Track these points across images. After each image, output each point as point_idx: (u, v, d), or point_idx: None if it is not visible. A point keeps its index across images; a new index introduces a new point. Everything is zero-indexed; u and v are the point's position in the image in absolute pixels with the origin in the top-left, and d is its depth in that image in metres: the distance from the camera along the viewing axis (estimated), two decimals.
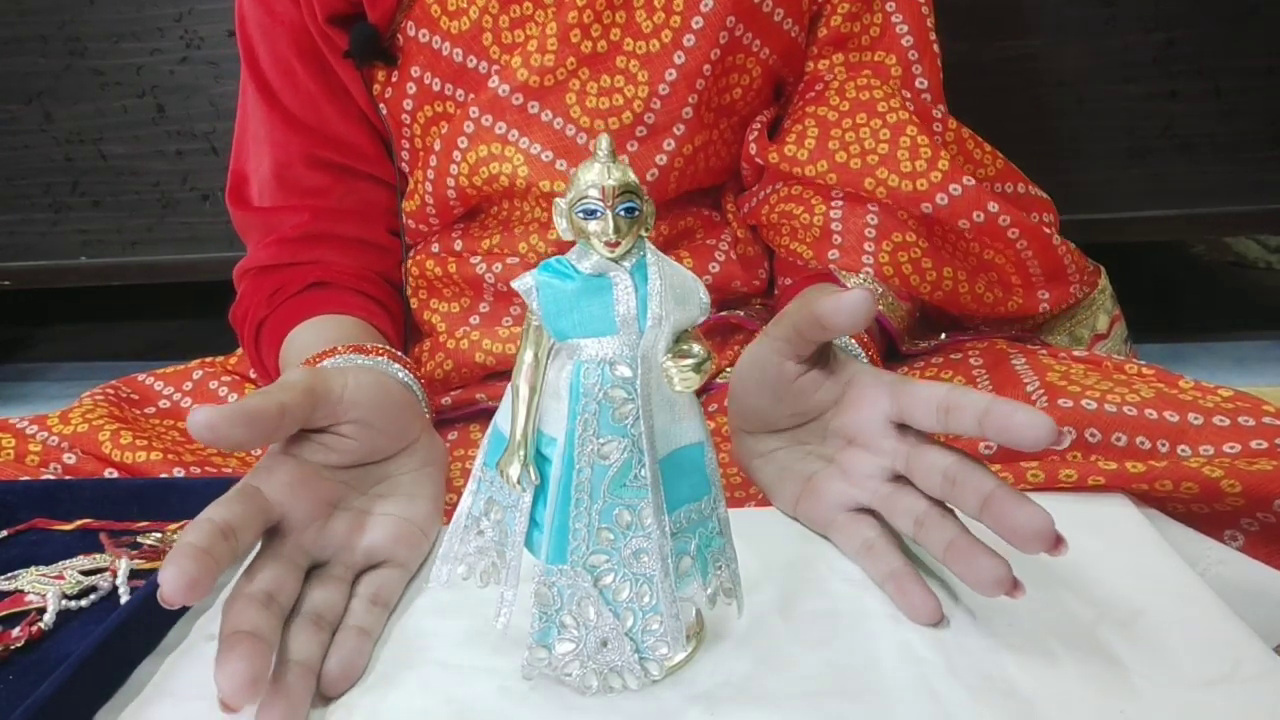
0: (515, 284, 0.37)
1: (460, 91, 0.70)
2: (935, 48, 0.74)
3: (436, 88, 0.70)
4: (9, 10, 1.35)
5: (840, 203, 0.69)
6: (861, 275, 0.68)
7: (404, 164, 0.75)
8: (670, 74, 0.67)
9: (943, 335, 0.73)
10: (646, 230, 0.36)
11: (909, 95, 0.72)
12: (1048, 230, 0.69)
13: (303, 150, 0.72)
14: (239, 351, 0.76)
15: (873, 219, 0.68)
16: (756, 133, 0.73)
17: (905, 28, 0.73)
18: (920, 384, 0.44)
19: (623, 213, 0.34)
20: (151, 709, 0.40)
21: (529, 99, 0.68)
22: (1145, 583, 0.44)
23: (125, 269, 1.50)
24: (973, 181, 0.66)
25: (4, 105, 1.41)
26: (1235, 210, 1.32)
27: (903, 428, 0.45)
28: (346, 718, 0.38)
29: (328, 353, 0.55)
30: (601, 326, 0.35)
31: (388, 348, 0.57)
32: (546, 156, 0.68)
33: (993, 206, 0.66)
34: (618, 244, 0.35)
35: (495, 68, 0.69)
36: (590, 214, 0.35)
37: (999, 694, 0.37)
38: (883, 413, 0.45)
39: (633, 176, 0.35)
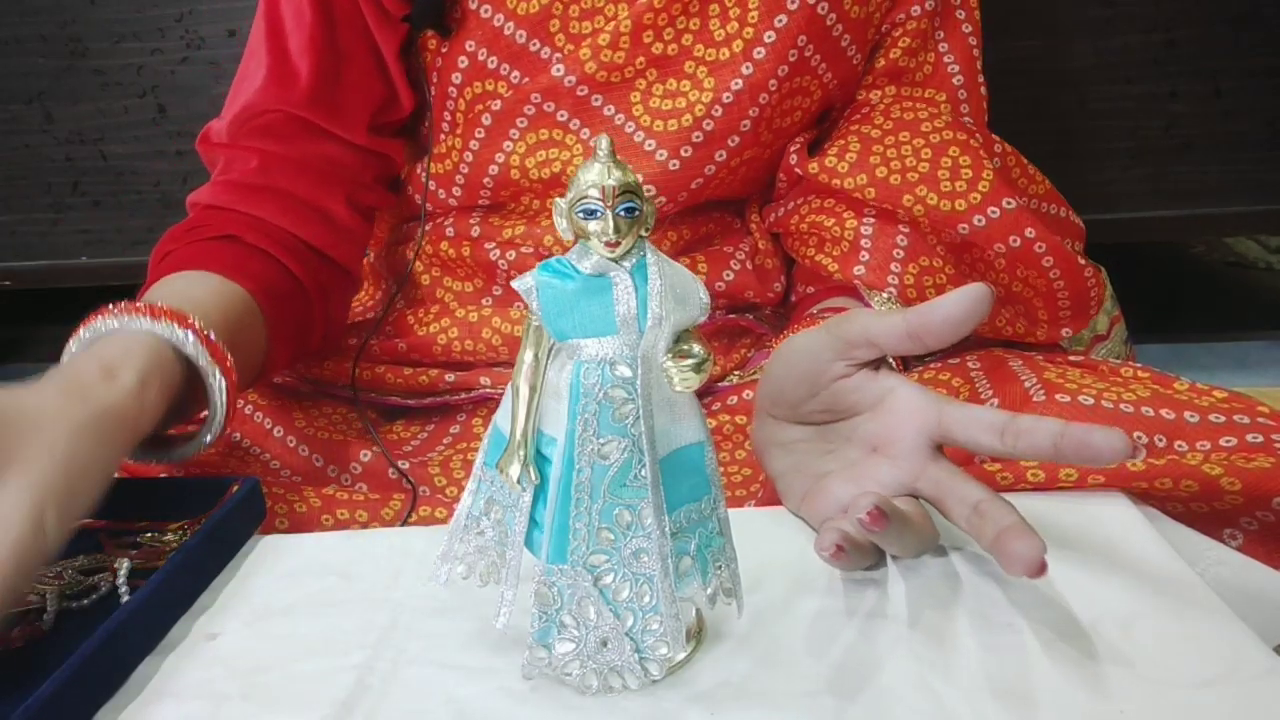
0: (515, 284, 0.37)
1: (516, 73, 0.70)
2: (983, 89, 0.74)
3: (492, 65, 0.70)
4: (9, 10, 1.35)
5: (872, 220, 0.68)
6: (885, 294, 0.67)
7: (442, 135, 0.75)
8: (736, 84, 0.67)
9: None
10: (646, 230, 0.36)
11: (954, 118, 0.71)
12: (1081, 261, 0.68)
13: (282, 96, 0.70)
14: None
15: (903, 240, 0.67)
16: (798, 145, 0.73)
17: (956, 68, 0.74)
18: (975, 406, 0.44)
19: (623, 213, 0.34)
20: (151, 709, 0.40)
21: (594, 91, 0.68)
22: (1145, 583, 0.44)
23: (125, 269, 1.50)
24: (1014, 204, 0.64)
25: (4, 105, 1.41)
26: (1235, 210, 1.32)
27: (938, 448, 0.45)
28: (346, 717, 0.38)
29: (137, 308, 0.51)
30: (601, 326, 0.35)
31: (204, 329, 0.52)
32: None
33: (1030, 232, 0.64)
34: (618, 244, 0.35)
35: (558, 55, 0.69)
36: (590, 214, 0.35)
37: (999, 694, 0.37)
38: (923, 429, 0.45)
39: (633, 177, 0.35)
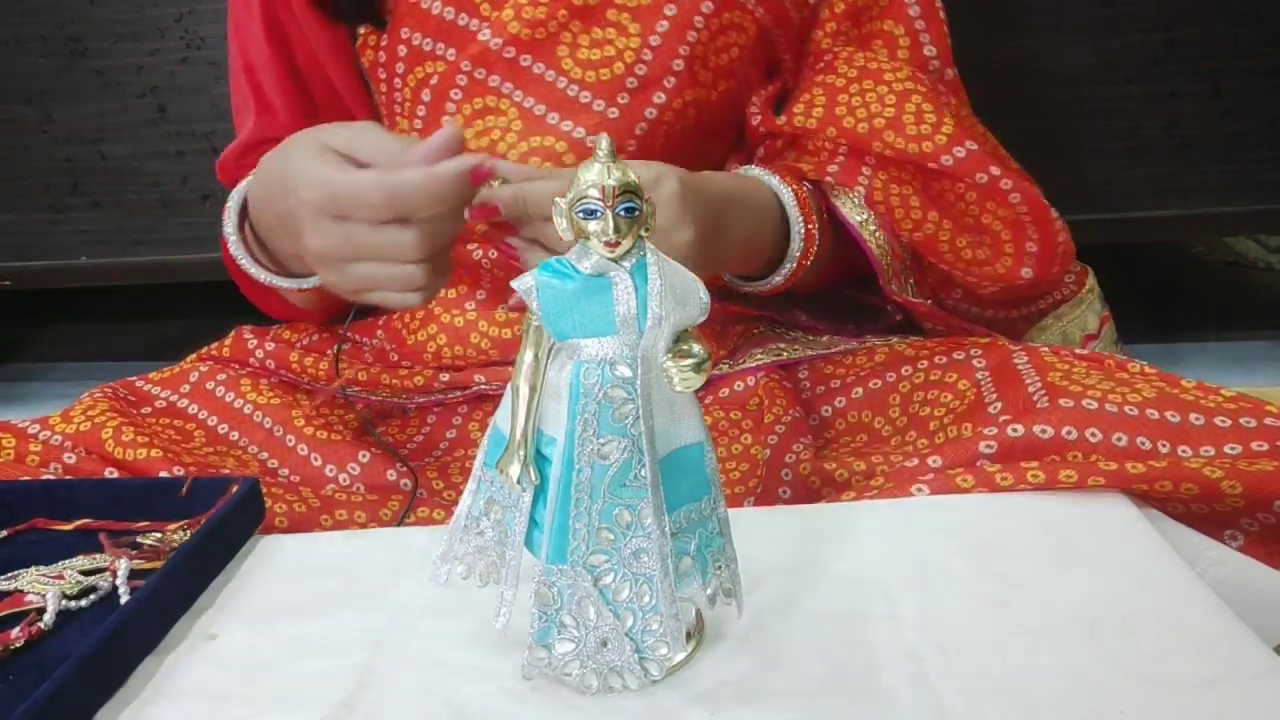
0: (515, 284, 0.37)
1: (451, 50, 0.71)
2: (942, 14, 0.75)
3: (427, 47, 0.71)
4: (9, 10, 1.35)
5: (845, 147, 0.71)
6: (855, 192, 0.70)
7: (390, 128, 0.76)
8: (661, 25, 0.68)
9: (928, 301, 0.74)
10: (647, 230, 0.36)
11: (918, 68, 0.73)
12: (1046, 203, 0.70)
13: (268, 127, 0.76)
14: (229, 340, 0.76)
15: (871, 159, 0.70)
16: (757, 105, 0.74)
17: None
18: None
19: (623, 213, 0.34)
20: (151, 709, 0.40)
21: (520, 52, 0.69)
22: (1145, 583, 0.44)
23: (125, 269, 1.50)
24: (975, 147, 0.68)
25: (4, 105, 1.40)
26: (1235, 210, 1.32)
27: None
28: (346, 717, 0.38)
29: None
30: (601, 326, 0.35)
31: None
32: (539, 110, 0.70)
33: (995, 169, 0.67)
34: (618, 244, 0.35)
35: (485, 23, 0.70)
36: (590, 214, 0.35)
37: (999, 694, 0.37)
38: None
39: (633, 176, 0.35)
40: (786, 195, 0.68)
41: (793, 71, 0.77)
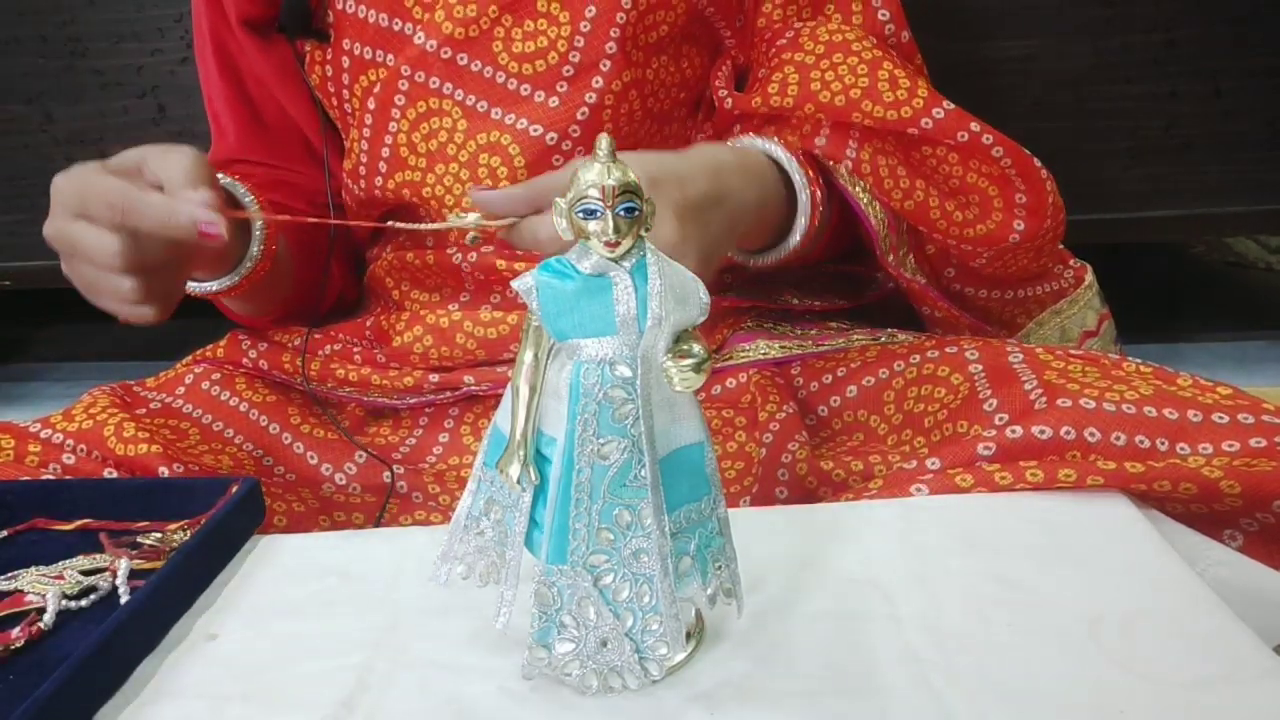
0: (515, 284, 0.37)
1: (389, 56, 0.72)
2: None
3: (367, 56, 0.72)
4: (9, 10, 1.35)
5: (828, 125, 0.71)
6: (843, 165, 0.70)
7: (346, 140, 0.78)
8: (590, 10, 0.69)
9: (920, 279, 0.74)
10: (647, 229, 0.36)
11: (873, 34, 0.74)
12: (1029, 153, 0.71)
13: (224, 149, 0.80)
14: (224, 342, 0.76)
15: (856, 131, 0.70)
16: (724, 85, 0.74)
17: None
18: None
19: (623, 213, 0.34)
20: (151, 709, 0.40)
21: (456, 51, 0.70)
22: (1145, 583, 0.44)
23: None
24: (952, 106, 0.68)
25: (4, 105, 1.41)
26: (1235, 210, 1.32)
27: None
28: (346, 717, 0.38)
29: None
30: (601, 326, 0.35)
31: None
32: (482, 106, 0.71)
33: (974, 126, 0.68)
34: (618, 244, 0.35)
35: (418, 26, 0.70)
36: (590, 214, 0.35)
37: (999, 694, 0.37)
38: None
39: (633, 176, 0.35)
40: (784, 155, 0.68)
41: (740, 47, 0.77)
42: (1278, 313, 1.57)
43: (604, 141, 0.35)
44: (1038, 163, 0.70)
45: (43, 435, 0.63)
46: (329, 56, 0.74)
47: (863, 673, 0.39)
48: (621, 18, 0.69)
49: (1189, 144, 1.28)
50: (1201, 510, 0.50)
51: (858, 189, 0.70)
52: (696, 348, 0.36)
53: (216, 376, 0.72)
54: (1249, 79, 1.24)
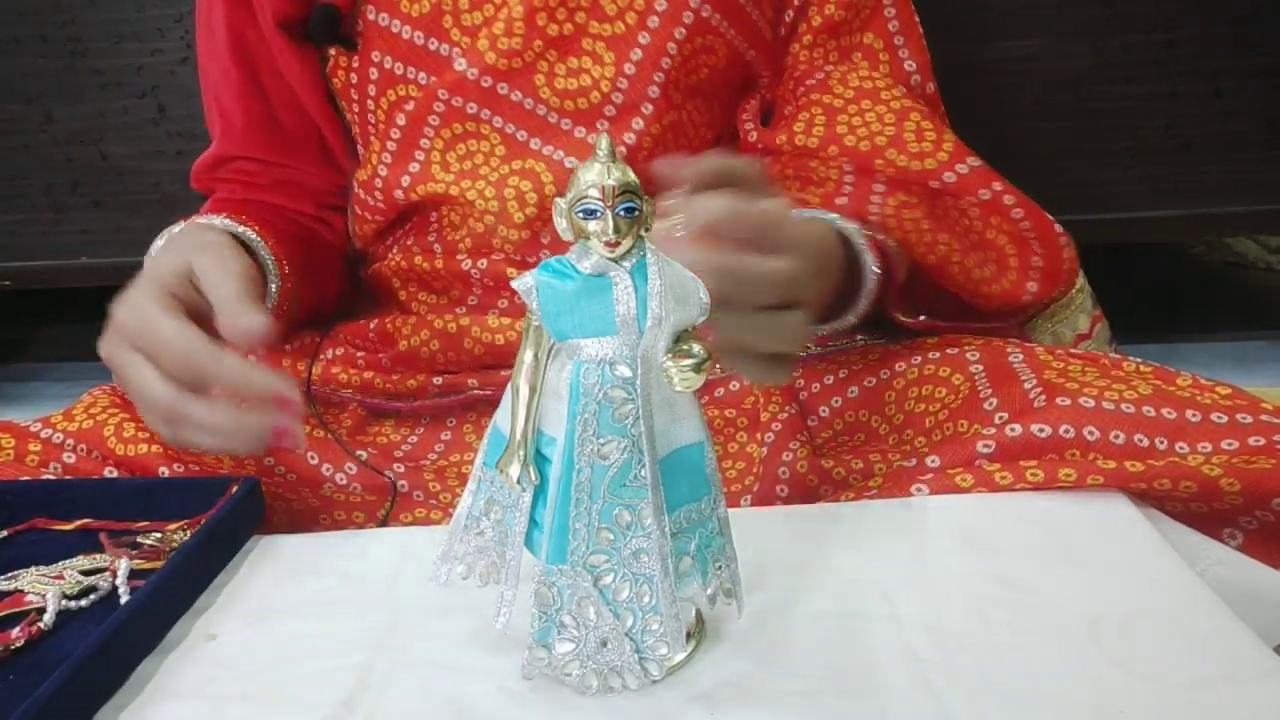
0: (515, 284, 0.37)
1: (423, 74, 0.71)
2: (920, 28, 0.75)
3: (398, 71, 0.71)
4: (9, 10, 1.35)
5: (852, 172, 0.70)
6: (869, 221, 0.68)
7: (364, 148, 0.77)
8: (635, 54, 0.68)
9: (920, 316, 0.73)
10: (647, 230, 0.36)
11: (899, 83, 0.73)
12: (1049, 216, 0.70)
13: (230, 148, 0.79)
14: None
15: (881, 178, 0.69)
16: (751, 122, 0.74)
17: (893, 11, 0.75)
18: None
19: (622, 213, 0.34)
20: (151, 709, 0.40)
21: (497, 81, 0.69)
22: (1145, 583, 0.44)
23: (125, 269, 1.49)
24: (977, 162, 0.68)
25: (4, 105, 1.40)
26: (1235, 210, 1.32)
27: None
28: (346, 717, 0.38)
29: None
30: (601, 326, 0.35)
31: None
32: (521, 135, 0.70)
33: (997, 185, 0.67)
34: (617, 244, 0.35)
35: (457, 50, 0.70)
36: (590, 214, 0.35)
37: (999, 694, 0.37)
38: None
39: (633, 176, 0.35)
40: (850, 229, 0.64)
41: (771, 85, 0.77)
42: (1278, 313, 1.57)
43: (604, 141, 0.35)
44: (1058, 227, 0.69)
45: (43, 435, 0.63)
46: (354, 64, 0.73)
47: (863, 673, 0.39)
48: (667, 62, 0.69)
49: (1189, 144, 1.28)
50: (1201, 509, 0.50)
51: (889, 242, 0.68)
52: (697, 348, 0.36)
53: None
54: (1249, 79, 1.24)
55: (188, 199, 1.52)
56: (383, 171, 0.74)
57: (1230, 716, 0.36)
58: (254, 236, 0.67)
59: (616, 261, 0.35)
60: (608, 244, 0.35)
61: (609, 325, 0.35)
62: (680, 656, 0.40)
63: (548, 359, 0.37)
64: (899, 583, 0.44)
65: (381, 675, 0.41)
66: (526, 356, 0.37)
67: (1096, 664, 0.39)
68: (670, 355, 0.36)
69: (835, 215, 0.65)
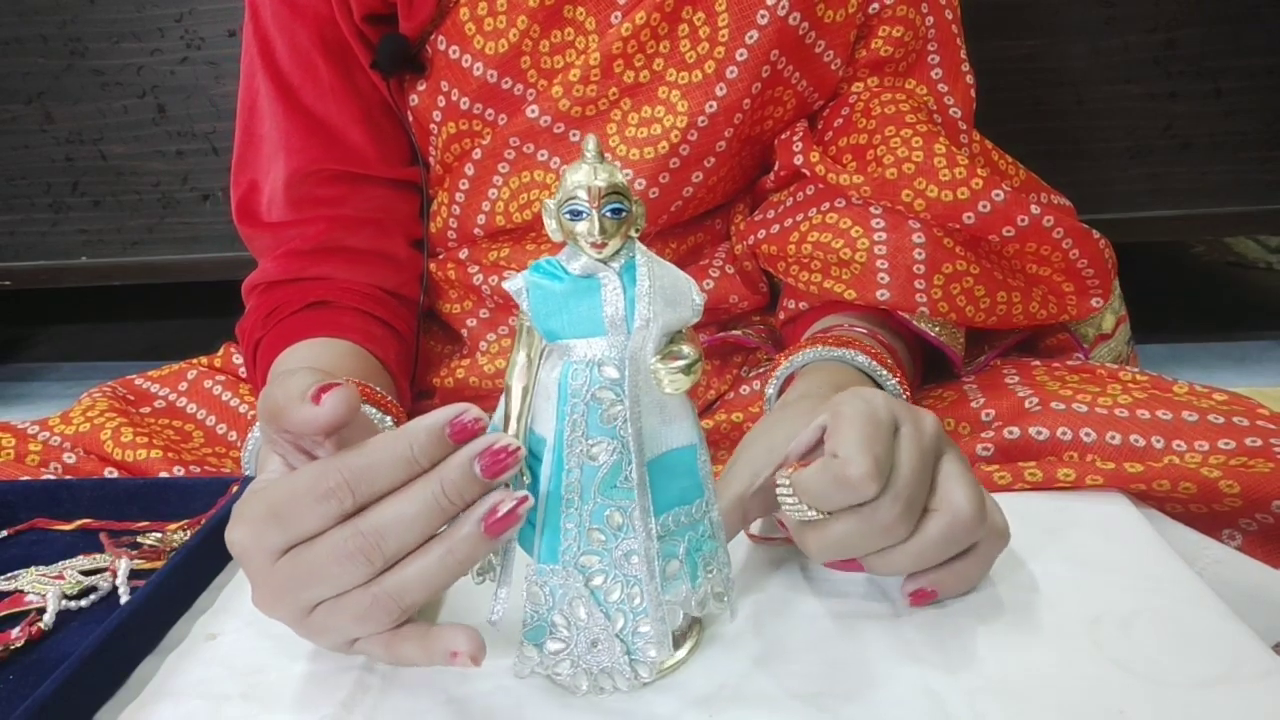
0: (506, 285, 0.36)
1: (490, 111, 0.68)
2: (969, 78, 0.72)
3: (465, 106, 0.68)
4: (9, 10, 1.35)
5: (883, 233, 0.64)
6: (917, 315, 0.63)
7: (433, 190, 0.74)
8: (710, 106, 0.65)
9: (985, 347, 0.71)
10: (636, 231, 0.36)
11: (935, 112, 0.70)
12: (1087, 227, 0.66)
13: (321, 156, 0.69)
14: (219, 354, 0.76)
15: (920, 253, 0.62)
16: (800, 135, 0.70)
17: (936, 59, 0.71)
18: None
19: (609, 214, 0.34)
20: (151, 709, 0.40)
21: (570, 127, 0.67)
22: (1144, 583, 0.44)
23: (125, 269, 1.51)
24: (1010, 187, 0.63)
25: (4, 105, 1.41)
26: (1235, 210, 1.32)
27: None
28: (346, 717, 0.38)
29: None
30: (590, 327, 0.35)
31: (382, 394, 0.58)
32: None
33: (1035, 209, 0.63)
34: (604, 245, 0.34)
35: (532, 92, 0.67)
36: (577, 215, 0.34)
37: (999, 694, 0.37)
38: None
39: (620, 178, 0.35)
40: (888, 381, 0.60)
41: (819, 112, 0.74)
42: (1278, 313, 1.58)
43: (591, 142, 0.35)
44: (1095, 233, 0.66)
45: (40, 438, 0.63)
46: (420, 87, 0.70)
47: (862, 673, 0.39)
48: (739, 118, 0.66)
49: (1189, 144, 1.28)
50: (1201, 510, 0.50)
51: (937, 329, 0.64)
52: (687, 349, 0.36)
53: (220, 377, 0.72)
54: (1249, 79, 1.24)
55: (187, 199, 1.53)
56: (453, 224, 0.72)
57: (1230, 716, 0.36)
58: (375, 413, 0.57)
59: (605, 263, 0.35)
60: (594, 245, 0.34)
61: (598, 326, 0.35)
62: (678, 657, 0.40)
63: (540, 360, 0.37)
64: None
65: (381, 675, 0.41)
66: (519, 357, 0.37)
67: (1096, 664, 0.39)
68: (660, 357, 0.36)
69: (859, 355, 0.58)
